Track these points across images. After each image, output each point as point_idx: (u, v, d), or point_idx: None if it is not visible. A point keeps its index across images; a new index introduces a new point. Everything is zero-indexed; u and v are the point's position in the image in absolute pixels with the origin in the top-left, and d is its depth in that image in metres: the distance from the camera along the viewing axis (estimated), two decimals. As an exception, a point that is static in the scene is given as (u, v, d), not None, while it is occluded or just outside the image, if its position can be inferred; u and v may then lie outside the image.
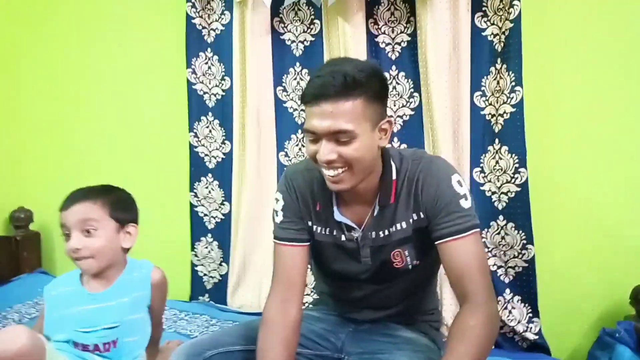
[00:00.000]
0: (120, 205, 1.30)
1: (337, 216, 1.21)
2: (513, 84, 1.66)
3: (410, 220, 1.17)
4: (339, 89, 1.03)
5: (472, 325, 1.03)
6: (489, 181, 1.75)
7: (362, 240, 1.21)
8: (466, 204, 1.12)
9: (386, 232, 1.19)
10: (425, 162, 1.17)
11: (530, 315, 1.71)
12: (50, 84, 2.30)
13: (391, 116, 1.12)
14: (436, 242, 1.12)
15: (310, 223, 1.26)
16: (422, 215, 1.16)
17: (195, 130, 2.09)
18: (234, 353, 1.24)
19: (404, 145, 1.84)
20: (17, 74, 2.30)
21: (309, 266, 1.30)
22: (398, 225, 1.18)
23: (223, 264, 2.13)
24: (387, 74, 1.83)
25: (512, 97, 1.66)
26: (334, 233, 1.24)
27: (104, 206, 1.26)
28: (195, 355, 1.20)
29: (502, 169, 1.71)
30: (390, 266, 1.21)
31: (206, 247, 2.14)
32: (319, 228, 1.25)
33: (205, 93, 2.07)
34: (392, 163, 1.18)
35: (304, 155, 1.95)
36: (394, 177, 1.17)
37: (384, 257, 1.21)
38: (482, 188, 1.75)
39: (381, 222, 1.19)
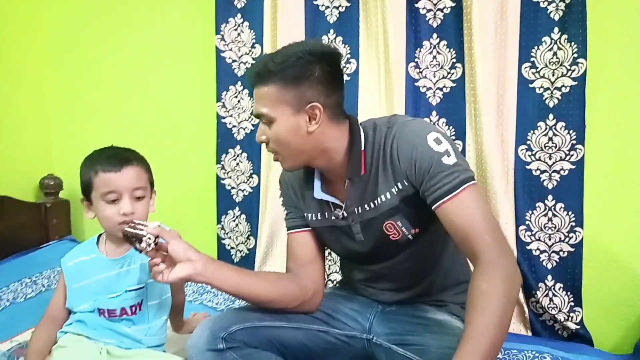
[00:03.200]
0: (150, 170, 1.28)
1: (317, 194, 1.21)
2: (575, 55, 1.53)
3: (394, 190, 1.12)
4: (254, 76, 1.12)
5: (485, 290, 0.95)
6: (538, 159, 1.63)
7: (349, 216, 1.19)
8: (449, 160, 1.05)
9: (372, 205, 1.16)
10: (399, 126, 1.12)
11: (572, 304, 1.62)
12: (76, 52, 2.27)
13: (316, 102, 1.09)
14: (432, 208, 1.06)
15: (304, 213, 1.27)
16: (406, 183, 1.10)
17: (223, 100, 2.02)
18: (259, 328, 1.23)
19: (443, 120, 1.73)
20: (45, 42, 2.26)
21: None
22: (382, 197, 1.14)
23: (250, 237, 2.08)
24: (427, 43, 1.72)
25: (574, 70, 1.54)
26: (326, 216, 1.23)
27: (146, 171, 1.25)
28: (221, 329, 1.19)
29: (556, 146, 1.60)
30: (387, 240, 1.17)
31: (233, 221, 2.10)
32: (310, 215, 1.26)
33: (234, 61, 1.99)
34: (363, 134, 1.15)
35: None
36: (362, 147, 1.14)
37: (376, 231, 1.17)
38: (527, 167, 1.64)
39: (364, 195, 1.16)
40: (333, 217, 1.22)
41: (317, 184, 1.21)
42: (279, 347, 1.24)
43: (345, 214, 1.20)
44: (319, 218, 1.25)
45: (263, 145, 1.92)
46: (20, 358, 1.39)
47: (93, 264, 1.27)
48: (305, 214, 1.27)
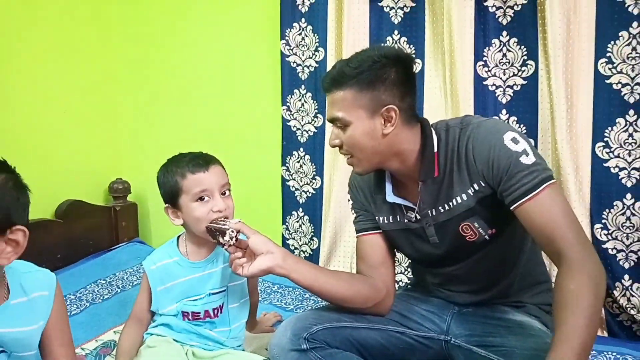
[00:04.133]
0: None
1: (389, 197, 1.22)
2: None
3: (470, 192, 1.12)
4: (330, 81, 1.14)
5: (574, 290, 0.94)
6: (617, 156, 1.59)
7: (423, 218, 1.19)
8: (528, 159, 1.04)
9: (447, 207, 1.15)
10: (473, 127, 1.12)
11: (653, 305, 1.58)
12: (144, 58, 2.34)
13: (392, 106, 1.11)
14: (512, 209, 1.05)
15: (375, 216, 1.28)
16: (482, 184, 1.10)
17: (287, 104, 2.05)
18: (339, 329, 1.25)
19: (513, 118, 1.72)
20: (113, 51, 2.34)
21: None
22: (458, 199, 1.14)
23: (314, 238, 2.11)
24: (497, 40, 1.70)
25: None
26: (398, 219, 1.24)
27: (225, 170, 1.29)
28: (303, 329, 1.22)
29: (636, 143, 1.56)
30: (464, 241, 1.17)
31: (297, 222, 2.13)
32: (382, 218, 1.27)
33: (298, 65, 2.02)
34: (435, 136, 1.15)
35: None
36: (435, 149, 1.14)
37: (452, 233, 1.17)
38: (605, 165, 1.61)
39: (438, 197, 1.16)
40: (405, 220, 1.23)
41: (388, 187, 1.23)
42: (358, 347, 1.25)
43: (418, 217, 1.20)
44: (391, 221, 1.26)
45: (327, 148, 2.03)
46: (107, 357, 1.45)
47: (176, 267, 1.31)
48: (376, 217, 1.28)
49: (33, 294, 1.00)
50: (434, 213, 1.18)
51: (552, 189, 1.03)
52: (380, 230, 1.29)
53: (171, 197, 1.27)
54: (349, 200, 1.36)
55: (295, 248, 2.15)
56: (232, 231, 1.16)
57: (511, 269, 1.23)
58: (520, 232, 1.16)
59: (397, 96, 1.11)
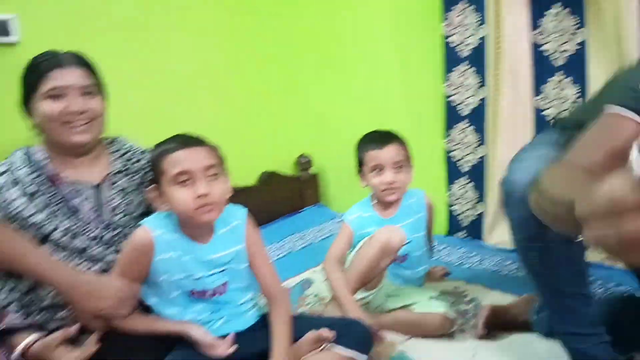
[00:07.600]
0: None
1: None
2: None
3: None
4: None
5: None
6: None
7: None
8: None
9: None
10: None
11: None
12: (315, 45, 2.67)
13: None
14: None
15: None
16: None
17: (449, 80, 2.23)
18: None
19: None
20: (295, 42, 2.69)
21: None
22: None
23: (478, 204, 2.28)
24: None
25: None
26: None
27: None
28: None
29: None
30: None
31: (461, 189, 2.32)
32: None
33: (459, 44, 2.18)
34: None
35: (562, 99, 1.96)
36: None
37: None
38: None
39: None
40: None
41: None
42: None
43: None
44: None
45: (487, 119, 2.15)
46: (309, 288, 1.84)
47: (369, 219, 1.64)
48: None
49: (231, 224, 1.29)
50: None
51: None
52: None
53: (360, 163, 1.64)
54: None
55: (459, 214, 2.35)
56: None
57: None
58: None
59: None
